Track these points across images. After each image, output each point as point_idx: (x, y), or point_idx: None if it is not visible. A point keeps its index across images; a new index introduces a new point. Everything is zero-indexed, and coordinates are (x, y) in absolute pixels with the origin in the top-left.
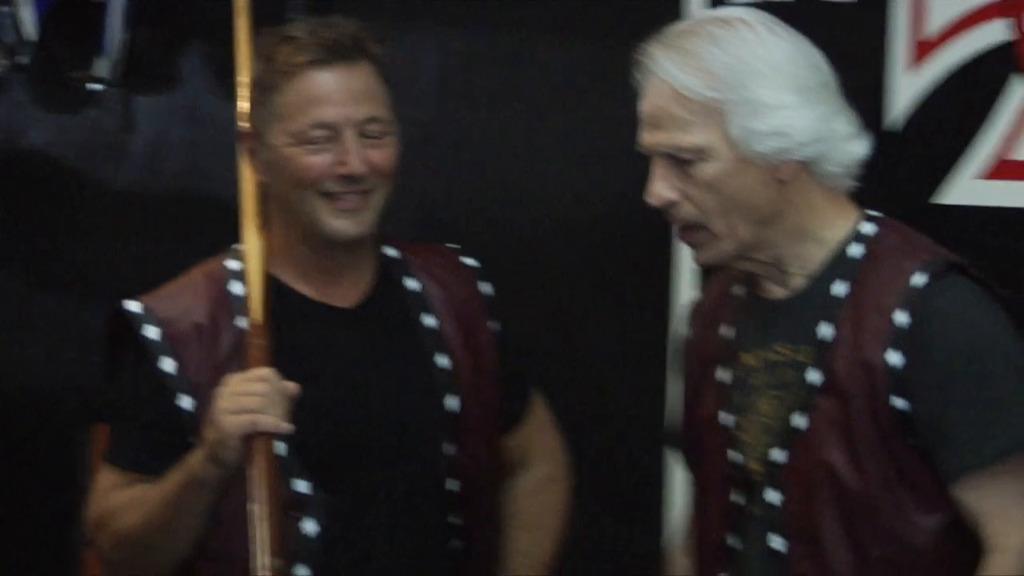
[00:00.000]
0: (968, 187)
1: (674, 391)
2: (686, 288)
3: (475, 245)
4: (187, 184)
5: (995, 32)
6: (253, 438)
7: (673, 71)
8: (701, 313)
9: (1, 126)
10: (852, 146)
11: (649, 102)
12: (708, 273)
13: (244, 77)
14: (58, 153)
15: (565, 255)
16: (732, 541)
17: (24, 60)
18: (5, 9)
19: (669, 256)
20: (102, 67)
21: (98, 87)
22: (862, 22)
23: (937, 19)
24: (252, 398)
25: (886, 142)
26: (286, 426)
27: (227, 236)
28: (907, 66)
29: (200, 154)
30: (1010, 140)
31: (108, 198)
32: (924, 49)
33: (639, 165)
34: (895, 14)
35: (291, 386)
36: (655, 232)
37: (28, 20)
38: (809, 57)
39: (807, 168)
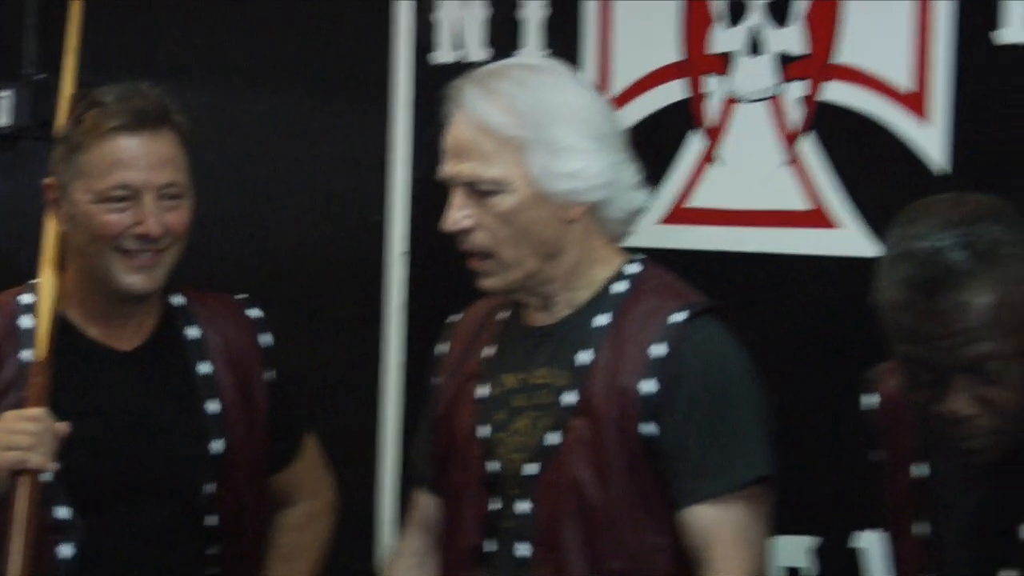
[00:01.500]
0: (650, 232)
1: (388, 413)
2: (396, 317)
3: (198, 279)
4: None
5: (673, 91)
6: (19, 474)
7: (482, 107)
8: (462, 333)
9: None
10: (635, 196)
11: (455, 134)
12: (415, 306)
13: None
14: None
15: (282, 288)
16: (488, 546)
17: None
18: None
19: (379, 288)
20: None
21: None
22: None
23: (621, 79)
24: (23, 436)
25: None
26: (52, 465)
27: None
28: None
29: None
30: (687, 189)
31: None
32: None
33: (351, 206)
34: (583, 74)
35: (62, 426)
36: (368, 264)
37: None
38: (605, 108)
39: (592, 211)
